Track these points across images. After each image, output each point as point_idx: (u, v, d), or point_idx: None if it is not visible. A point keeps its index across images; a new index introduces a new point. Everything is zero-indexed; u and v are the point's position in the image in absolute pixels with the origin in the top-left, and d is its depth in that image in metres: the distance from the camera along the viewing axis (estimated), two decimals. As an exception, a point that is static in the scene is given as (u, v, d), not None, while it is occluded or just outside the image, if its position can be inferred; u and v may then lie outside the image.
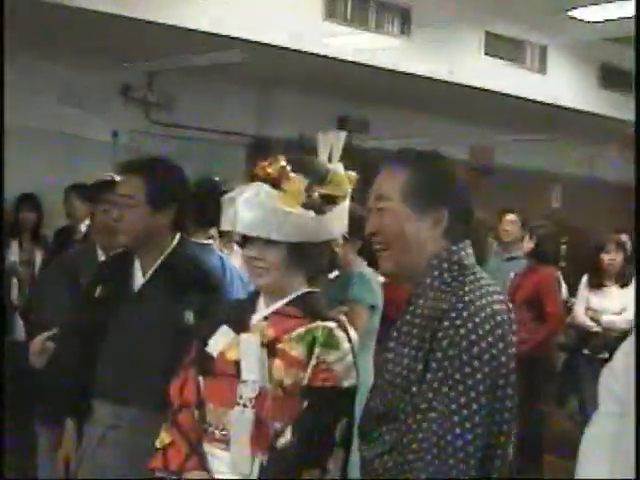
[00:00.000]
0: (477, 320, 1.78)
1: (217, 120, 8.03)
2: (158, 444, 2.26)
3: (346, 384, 2.07)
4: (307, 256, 2.18)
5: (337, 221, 2.22)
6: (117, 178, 3.24)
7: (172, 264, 2.75)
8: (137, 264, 2.78)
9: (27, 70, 6.64)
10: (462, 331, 1.77)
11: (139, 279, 2.76)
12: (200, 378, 2.25)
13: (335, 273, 3.81)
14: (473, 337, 1.77)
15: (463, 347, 1.76)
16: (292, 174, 2.13)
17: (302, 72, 7.46)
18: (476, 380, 1.75)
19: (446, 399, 1.76)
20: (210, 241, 3.84)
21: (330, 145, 2.25)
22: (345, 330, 2.16)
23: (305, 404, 2.07)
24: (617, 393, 2.05)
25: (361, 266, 3.86)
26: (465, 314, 1.78)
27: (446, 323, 1.79)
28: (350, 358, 2.10)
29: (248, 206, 2.11)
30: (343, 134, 2.29)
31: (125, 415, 2.61)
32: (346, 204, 2.26)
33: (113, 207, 2.91)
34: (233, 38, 6.21)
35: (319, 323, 2.13)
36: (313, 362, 2.08)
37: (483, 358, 1.76)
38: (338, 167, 2.27)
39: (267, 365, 2.10)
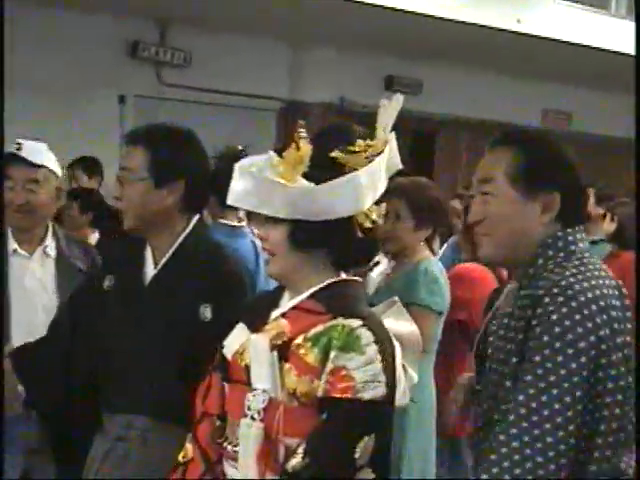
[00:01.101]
0: (573, 305, 1.91)
1: (242, 82, 8.06)
2: (181, 457, 2.30)
3: (367, 396, 2.02)
4: (318, 238, 2.16)
5: (349, 194, 2.11)
6: (25, 147, 3.27)
7: (187, 251, 2.77)
8: (149, 252, 2.80)
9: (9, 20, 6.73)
10: (554, 317, 1.91)
11: (150, 270, 2.78)
12: (225, 384, 2.26)
13: (385, 263, 3.79)
14: (567, 323, 1.90)
15: (555, 334, 1.90)
16: (301, 141, 2.15)
17: (341, 24, 7.44)
18: (570, 370, 1.88)
19: (534, 390, 1.89)
20: (242, 224, 3.87)
21: (389, 115, 2.25)
22: (373, 329, 2.09)
23: (321, 418, 2.04)
24: None
25: (427, 260, 3.72)
26: (560, 299, 1.93)
27: (539, 310, 1.95)
28: (377, 365, 2.04)
29: (239, 175, 2.18)
30: (400, 98, 2.29)
31: (135, 425, 2.65)
32: (363, 173, 2.13)
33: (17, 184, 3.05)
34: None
35: (339, 320, 2.09)
36: (329, 367, 2.05)
37: (578, 345, 1.89)
38: (390, 138, 2.27)
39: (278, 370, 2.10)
